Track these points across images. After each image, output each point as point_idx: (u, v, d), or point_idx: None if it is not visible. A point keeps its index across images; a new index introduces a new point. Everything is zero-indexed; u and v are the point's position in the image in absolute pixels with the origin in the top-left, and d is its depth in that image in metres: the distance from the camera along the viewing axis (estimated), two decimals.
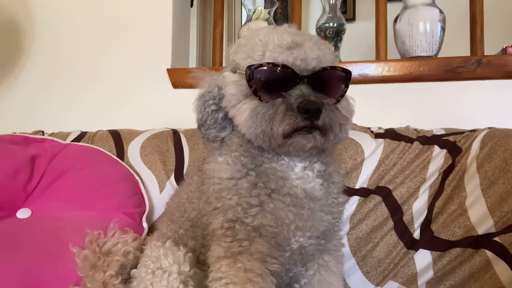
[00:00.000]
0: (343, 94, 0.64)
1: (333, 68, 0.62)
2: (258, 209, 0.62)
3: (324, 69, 0.61)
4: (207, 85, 0.69)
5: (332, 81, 0.63)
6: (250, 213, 0.61)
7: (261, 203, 0.62)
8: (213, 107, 0.68)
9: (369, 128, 1.08)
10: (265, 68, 0.59)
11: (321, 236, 0.68)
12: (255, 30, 0.69)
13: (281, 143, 0.59)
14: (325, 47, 0.63)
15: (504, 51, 1.23)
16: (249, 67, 0.59)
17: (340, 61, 1.32)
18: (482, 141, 0.92)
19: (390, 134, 1.04)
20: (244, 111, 0.61)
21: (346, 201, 0.95)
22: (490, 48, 1.34)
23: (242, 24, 1.51)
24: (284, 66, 0.58)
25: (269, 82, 0.59)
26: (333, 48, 1.43)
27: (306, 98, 0.57)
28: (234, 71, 0.65)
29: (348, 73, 0.63)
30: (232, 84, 0.64)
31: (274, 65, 0.59)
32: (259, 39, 0.63)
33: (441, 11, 1.27)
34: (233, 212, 0.62)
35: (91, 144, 1.14)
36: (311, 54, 0.60)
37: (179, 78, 1.40)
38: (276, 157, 0.66)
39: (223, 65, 1.54)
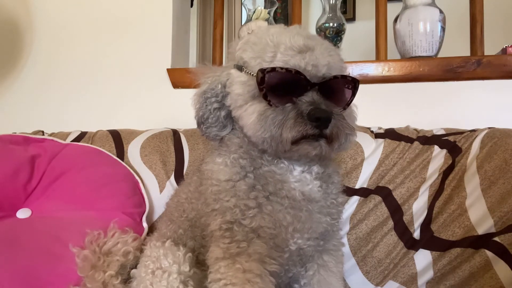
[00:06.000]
0: (349, 103, 0.64)
1: (344, 77, 0.61)
2: (256, 211, 0.61)
3: (335, 77, 0.60)
4: (210, 81, 0.67)
5: (340, 90, 0.63)
6: (248, 214, 0.61)
7: (259, 205, 0.62)
8: (215, 105, 0.66)
9: (369, 128, 1.08)
10: (278, 72, 0.57)
11: (320, 237, 0.68)
12: (265, 29, 0.67)
13: (288, 149, 0.58)
14: (335, 53, 0.63)
15: (504, 51, 1.23)
16: (261, 70, 0.58)
17: None
18: (482, 141, 0.92)
19: (390, 134, 1.04)
20: (252, 113, 0.60)
21: (346, 201, 0.95)
22: (490, 48, 1.34)
23: (242, 24, 1.51)
24: (297, 73, 0.57)
25: (281, 87, 0.58)
26: None
27: (317, 106, 0.56)
28: (240, 69, 0.64)
29: (356, 82, 0.63)
30: (239, 83, 0.63)
31: (287, 70, 0.57)
32: (270, 39, 0.61)
33: (441, 11, 1.27)
34: (231, 214, 0.62)
35: (91, 144, 1.14)
36: (322, 60, 0.59)
37: (179, 78, 1.40)
38: (276, 160, 0.65)
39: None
